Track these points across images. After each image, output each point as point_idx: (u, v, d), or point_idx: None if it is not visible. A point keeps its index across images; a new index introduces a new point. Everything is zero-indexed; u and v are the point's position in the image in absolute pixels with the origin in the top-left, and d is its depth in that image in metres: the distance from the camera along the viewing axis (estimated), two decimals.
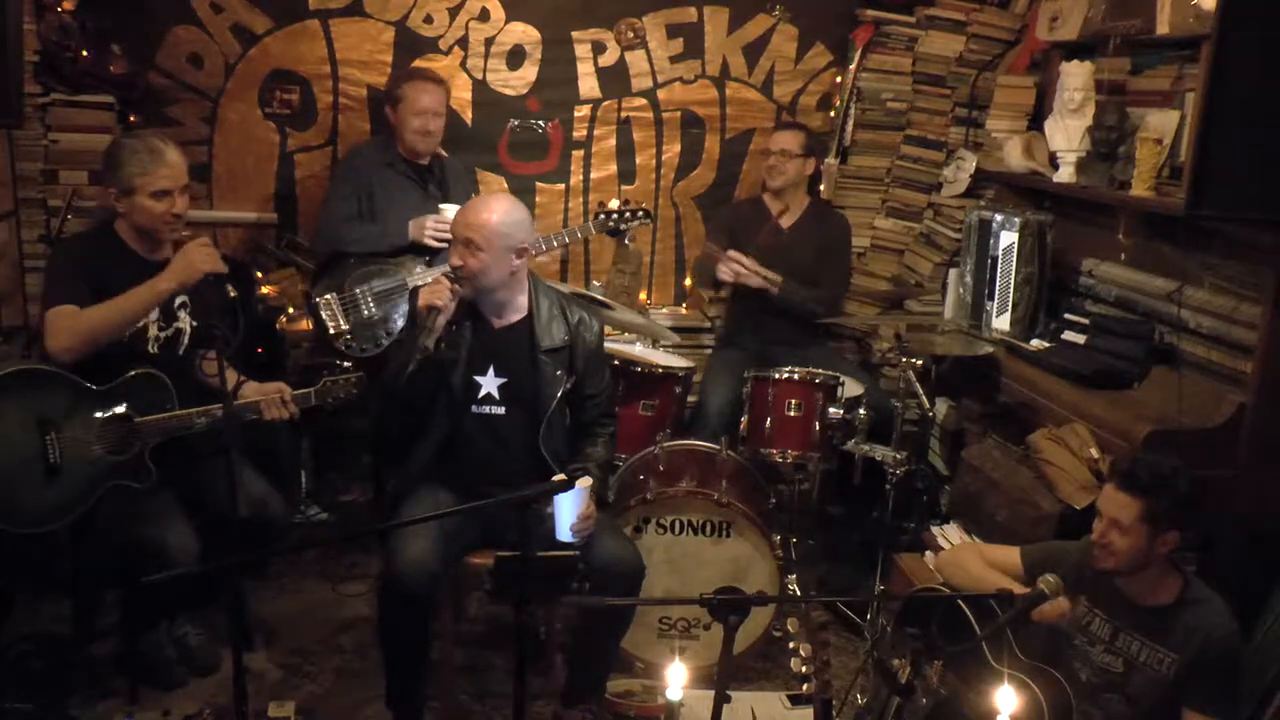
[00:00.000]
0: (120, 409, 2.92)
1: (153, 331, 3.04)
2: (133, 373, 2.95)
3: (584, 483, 2.86)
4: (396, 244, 3.90)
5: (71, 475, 2.88)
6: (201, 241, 2.96)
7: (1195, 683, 2.45)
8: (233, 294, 2.85)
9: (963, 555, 2.91)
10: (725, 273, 4.18)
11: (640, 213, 4.10)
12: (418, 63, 4.37)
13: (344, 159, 4.21)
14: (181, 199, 3.01)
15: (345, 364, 3.47)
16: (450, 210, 3.87)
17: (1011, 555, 2.75)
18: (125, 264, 3.00)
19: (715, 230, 4.52)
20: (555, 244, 4.10)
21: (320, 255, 4.06)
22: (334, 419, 4.22)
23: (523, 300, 3.09)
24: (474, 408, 3.04)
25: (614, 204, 4.10)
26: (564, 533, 2.86)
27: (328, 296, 3.86)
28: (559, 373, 3.07)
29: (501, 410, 3.05)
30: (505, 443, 3.04)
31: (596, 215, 4.11)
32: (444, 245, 3.84)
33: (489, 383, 3.04)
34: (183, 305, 3.10)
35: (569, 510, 2.83)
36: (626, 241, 4.39)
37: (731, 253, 4.16)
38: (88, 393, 2.90)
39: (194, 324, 3.11)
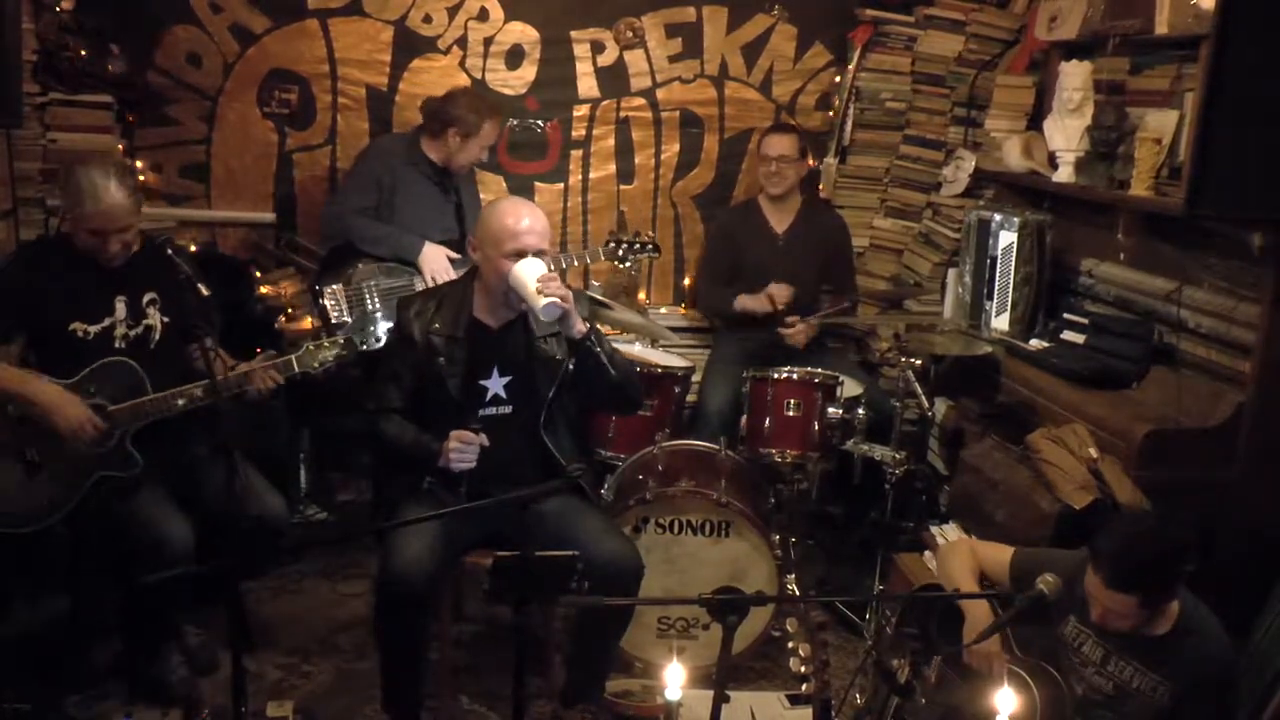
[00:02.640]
0: (91, 399, 2.91)
1: (120, 330, 3.03)
2: (99, 362, 2.95)
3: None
4: (404, 258, 3.90)
5: (53, 471, 2.89)
6: (96, 425, 2.88)
7: (1191, 712, 2.39)
8: (205, 293, 2.83)
9: (953, 552, 2.87)
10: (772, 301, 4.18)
11: (650, 246, 4.14)
12: (416, 64, 4.37)
13: (369, 149, 4.19)
14: (120, 237, 2.96)
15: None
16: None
17: (1003, 555, 2.71)
18: (83, 266, 3.00)
19: (712, 240, 4.54)
20: (564, 265, 4.12)
21: (326, 241, 4.06)
22: (333, 418, 4.24)
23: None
24: (481, 411, 3.01)
25: (625, 236, 4.16)
26: (536, 306, 2.81)
27: (334, 287, 3.87)
28: (559, 356, 3.03)
29: (509, 409, 3.03)
30: (510, 441, 3.01)
31: (606, 243, 4.15)
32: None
33: (495, 384, 3.02)
34: (152, 302, 3.09)
35: (529, 278, 2.81)
36: (633, 273, 4.41)
37: (772, 288, 4.17)
38: (61, 387, 2.90)
39: (165, 320, 3.09)
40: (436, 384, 2.96)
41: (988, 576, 2.72)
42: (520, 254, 2.88)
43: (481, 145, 3.99)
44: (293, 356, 3.07)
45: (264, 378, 3.03)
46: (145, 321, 3.09)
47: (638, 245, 4.13)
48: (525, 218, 2.92)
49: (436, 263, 3.89)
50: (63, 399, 2.86)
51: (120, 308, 3.04)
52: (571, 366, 3.03)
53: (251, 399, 3.06)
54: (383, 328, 3.85)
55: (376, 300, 3.87)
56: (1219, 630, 2.44)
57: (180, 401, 2.96)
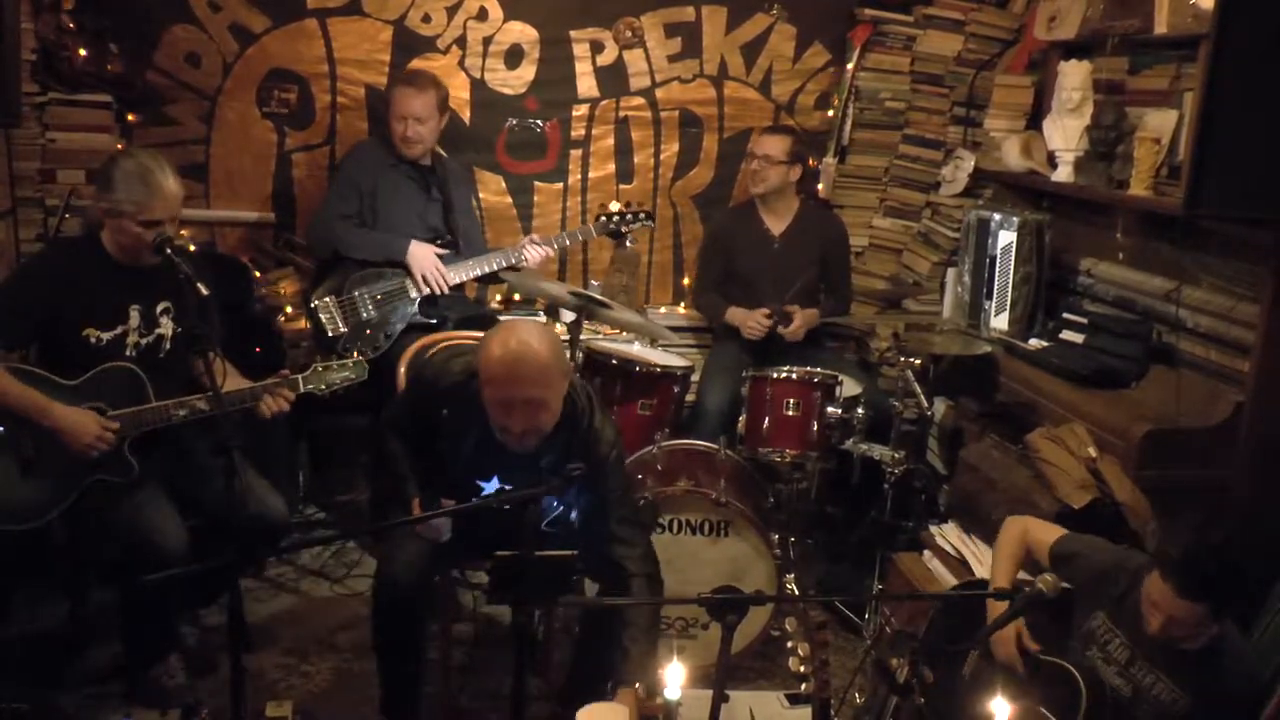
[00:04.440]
0: (92, 403, 2.91)
1: (132, 338, 3.02)
2: (104, 367, 2.94)
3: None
4: (392, 259, 3.89)
5: (47, 471, 2.87)
6: (105, 434, 2.86)
7: None
8: (205, 292, 2.82)
9: (1005, 532, 2.81)
10: (752, 331, 4.17)
11: (642, 215, 4.11)
12: (415, 63, 4.36)
13: (348, 155, 4.18)
14: (171, 226, 2.95)
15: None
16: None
17: (1048, 537, 2.68)
18: (101, 271, 2.99)
19: (706, 242, 4.56)
20: (555, 246, 4.11)
21: (315, 252, 4.06)
22: (332, 418, 4.23)
23: None
24: (475, 500, 2.84)
25: (615, 206, 4.12)
26: None
27: (326, 299, 3.86)
28: (555, 503, 2.79)
29: (506, 507, 2.88)
30: (506, 521, 2.73)
31: (598, 218, 4.11)
32: (425, 290, 3.88)
33: (491, 486, 2.84)
34: (165, 311, 3.08)
35: None
36: (628, 244, 4.40)
37: (757, 315, 4.15)
38: (59, 388, 2.89)
39: (177, 330, 3.08)
40: (434, 456, 2.84)
41: (1035, 557, 2.71)
42: (509, 407, 2.55)
43: (395, 117, 3.93)
44: (299, 377, 3.06)
45: (274, 399, 3.02)
46: (158, 330, 3.07)
47: (630, 216, 4.10)
48: (512, 367, 2.50)
49: (425, 261, 3.87)
50: (76, 419, 2.85)
51: (134, 316, 3.02)
52: (560, 515, 2.82)
53: (260, 416, 3.04)
54: (380, 334, 3.84)
55: (371, 308, 3.87)
56: (1249, 655, 2.42)
57: (181, 412, 2.95)
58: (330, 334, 3.83)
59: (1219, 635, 2.38)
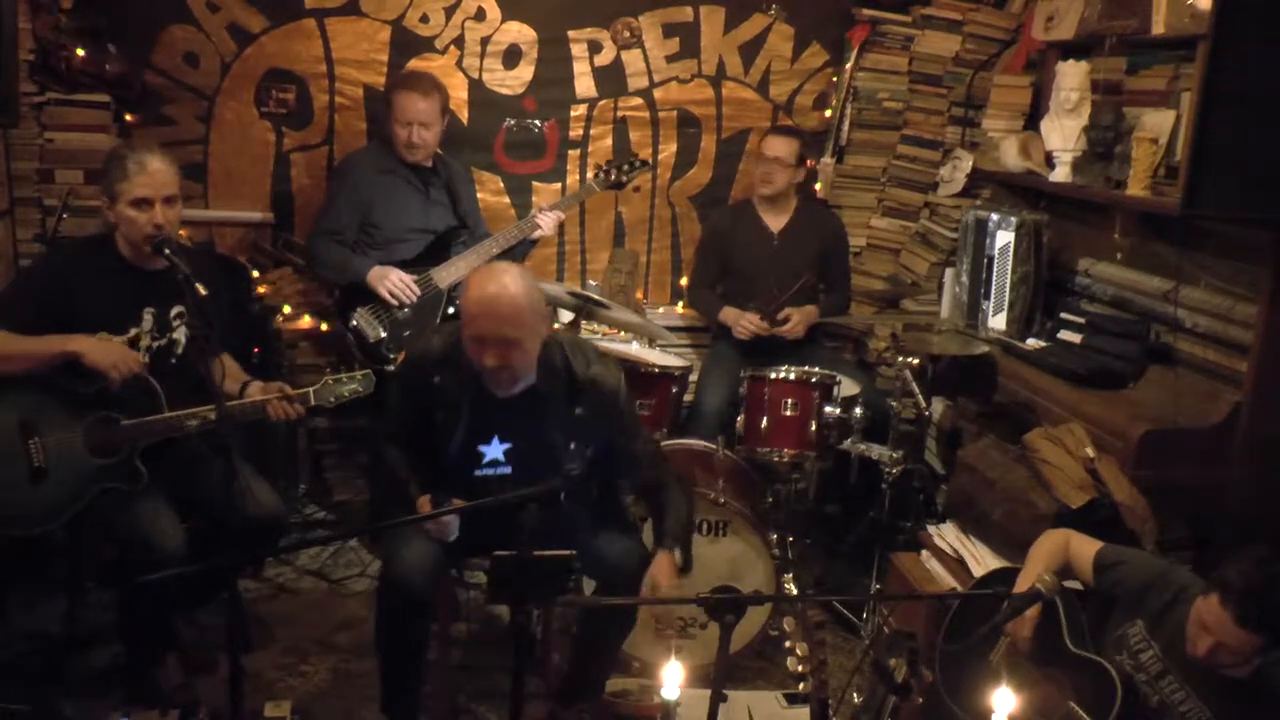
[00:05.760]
0: (105, 412, 2.90)
1: (144, 341, 3.01)
2: None
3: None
4: (354, 282, 3.87)
5: (58, 479, 2.87)
6: (134, 358, 2.88)
7: None
8: (204, 293, 2.81)
9: (1045, 540, 2.78)
10: (743, 332, 4.18)
11: (639, 162, 4.22)
12: (413, 63, 4.36)
13: (340, 168, 4.17)
14: (166, 210, 2.92)
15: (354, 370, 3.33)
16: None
17: (1089, 549, 2.66)
18: (116, 273, 2.99)
19: (704, 241, 4.57)
20: (563, 208, 4.17)
21: (313, 269, 4.10)
22: (333, 418, 4.23)
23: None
24: (477, 472, 2.86)
25: (613, 161, 4.25)
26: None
27: (361, 309, 3.88)
28: (572, 446, 2.82)
29: (509, 470, 2.86)
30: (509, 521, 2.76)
31: (597, 174, 4.17)
32: (395, 303, 3.86)
33: (494, 449, 2.86)
34: (179, 315, 3.07)
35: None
36: (634, 190, 4.51)
37: (748, 317, 4.18)
38: (72, 397, 2.88)
39: (190, 334, 3.07)
40: (433, 435, 2.85)
41: (1074, 569, 2.68)
42: (483, 343, 2.63)
43: (399, 123, 3.91)
44: (310, 390, 3.05)
45: (283, 409, 3.01)
46: (171, 335, 3.06)
47: (627, 165, 4.21)
48: (485, 306, 2.60)
49: (386, 279, 3.84)
50: (97, 341, 2.84)
51: (148, 319, 3.02)
52: (589, 454, 2.86)
53: (277, 417, 3.03)
54: (417, 328, 3.84)
55: (406, 307, 3.88)
56: None
57: (193, 423, 2.93)
58: (372, 340, 3.85)
59: (1264, 663, 2.32)
